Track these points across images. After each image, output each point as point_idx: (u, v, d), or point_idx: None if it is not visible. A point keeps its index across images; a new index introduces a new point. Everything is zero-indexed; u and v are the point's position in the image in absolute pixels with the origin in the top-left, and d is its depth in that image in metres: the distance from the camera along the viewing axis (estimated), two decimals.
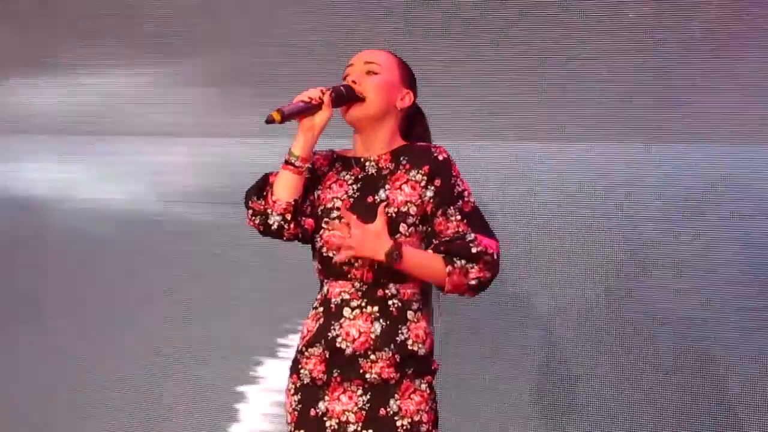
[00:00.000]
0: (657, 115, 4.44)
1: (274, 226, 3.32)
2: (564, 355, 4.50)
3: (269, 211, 3.31)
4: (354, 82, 3.33)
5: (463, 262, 3.24)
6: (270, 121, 3.19)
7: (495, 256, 3.27)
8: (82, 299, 5.20)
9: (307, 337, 3.33)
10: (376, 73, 3.35)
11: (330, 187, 3.37)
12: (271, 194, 3.31)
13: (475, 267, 3.25)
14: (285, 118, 3.19)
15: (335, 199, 3.34)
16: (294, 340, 3.41)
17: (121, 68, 5.17)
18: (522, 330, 4.57)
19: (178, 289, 5.07)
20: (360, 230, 3.20)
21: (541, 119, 4.56)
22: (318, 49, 4.81)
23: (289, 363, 3.38)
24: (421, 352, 3.28)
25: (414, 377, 3.28)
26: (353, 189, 3.34)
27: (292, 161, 3.28)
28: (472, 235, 3.26)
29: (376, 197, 3.30)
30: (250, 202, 3.37)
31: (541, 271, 4.55)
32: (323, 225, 3.34)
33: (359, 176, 3.36)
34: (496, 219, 4.50)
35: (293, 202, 3.30)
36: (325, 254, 3.34)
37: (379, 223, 3.22)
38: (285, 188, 3.30)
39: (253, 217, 3.36)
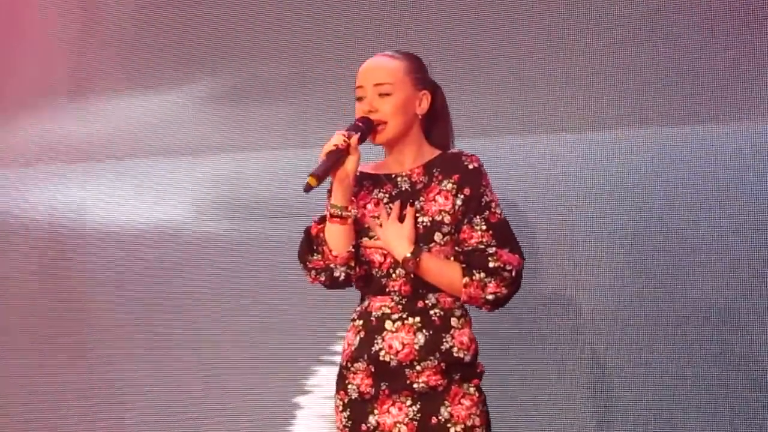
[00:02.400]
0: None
1: (341, 277, 3.34)
2: (612, 351, 4.49)
3: (332, 265, 3.33)
4: (370, 111, 3.33)
5: (482, 275, 3.27)
6: (308, 189, 3.18)
7: (513, 273, 3.28)
8: (122, 321, 5.24)
9: (349, 352, 3.35)
10: (389, 94, 3.33)
11: (365, 207, 3.37)
12: (329, 250, 3.31)
13: (493, 282, 3.27)
14: (321, 179, 3.19)
15: (374, 219, 3.34)
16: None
17: (138, 90, 5.21)
18: (567, 329, 4.54)
19: (225, 301, 5.09)
20: (389, 223, 3.27)
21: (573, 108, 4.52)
22: (340, 56, 4.82)
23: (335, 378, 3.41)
24: (467, 358, 3.30)
25: (461, 382, 3.30)
26: (389, 207, 3.34)
27: (339, 213, 3.29)
28: (493, 248, 3.28)
29: (413, 210, 3.31)
30: (308, 263, 3.38)
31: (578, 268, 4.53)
32: (362, 244, 3.35)
33: (393, 193, 3.37)
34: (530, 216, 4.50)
35: (352, 250, 3.32)
36: (365, 271, 3.36)
37: (407, 224, 3.27)
38: (339, 241, 3.30)
39: (318, 276, 3.37)
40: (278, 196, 4.98)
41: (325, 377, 4.91)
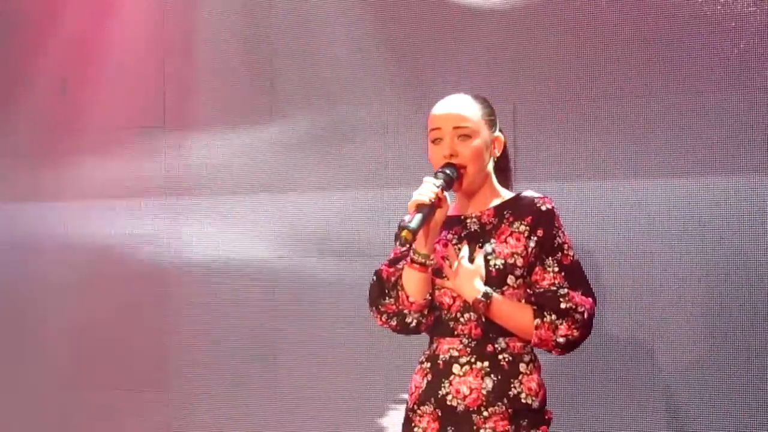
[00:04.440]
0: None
1: (413, 324, 3.32)
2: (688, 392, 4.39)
3: (406, 311, 3.31)
4: (451, 155, 3.27)
5: (553, 317, 3.22)
6: (405, 242, 3.15)
7: (585, 315, 3.23)
8: (205, 355, 5.25)
9: (416, 395, 3.32)
10: (469, 136, 3.29)
11: (434, 249, 3.31)
12: (406, 296, 3.28)
13: (564, 324, 3.22)
14: (416, 233, 3.15)
15: (444, 260, 3.30)
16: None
17: (227, 128, 5.24)
18: (641, 376, 4.44)
19: (304, 337, 5.07)
20: (460, 265, 3.23)
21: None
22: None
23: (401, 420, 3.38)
24: (535, 405, 3.24)
25: (529, 428, 3.24)
26: (458, 248, 3.30)
27: (422, 261, 3.25)
28: (565, 290, 3.23)
29: (483, 251, 3.27)
30: (379, 306, 3.35)
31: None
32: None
33: (462, 234, 3.33)
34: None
35: (429, 297, 3.29)
36: (435, 318, 3.32)
37: (477, 265, 3.23)
38: (417, 288, 3.27)
39: (389, 320, 3.35)
40: (359, 234, 4.96)
41: (399, 417, 4.86)
